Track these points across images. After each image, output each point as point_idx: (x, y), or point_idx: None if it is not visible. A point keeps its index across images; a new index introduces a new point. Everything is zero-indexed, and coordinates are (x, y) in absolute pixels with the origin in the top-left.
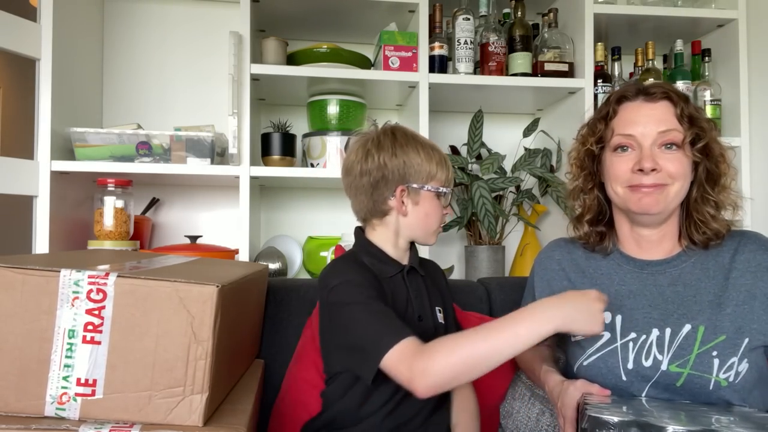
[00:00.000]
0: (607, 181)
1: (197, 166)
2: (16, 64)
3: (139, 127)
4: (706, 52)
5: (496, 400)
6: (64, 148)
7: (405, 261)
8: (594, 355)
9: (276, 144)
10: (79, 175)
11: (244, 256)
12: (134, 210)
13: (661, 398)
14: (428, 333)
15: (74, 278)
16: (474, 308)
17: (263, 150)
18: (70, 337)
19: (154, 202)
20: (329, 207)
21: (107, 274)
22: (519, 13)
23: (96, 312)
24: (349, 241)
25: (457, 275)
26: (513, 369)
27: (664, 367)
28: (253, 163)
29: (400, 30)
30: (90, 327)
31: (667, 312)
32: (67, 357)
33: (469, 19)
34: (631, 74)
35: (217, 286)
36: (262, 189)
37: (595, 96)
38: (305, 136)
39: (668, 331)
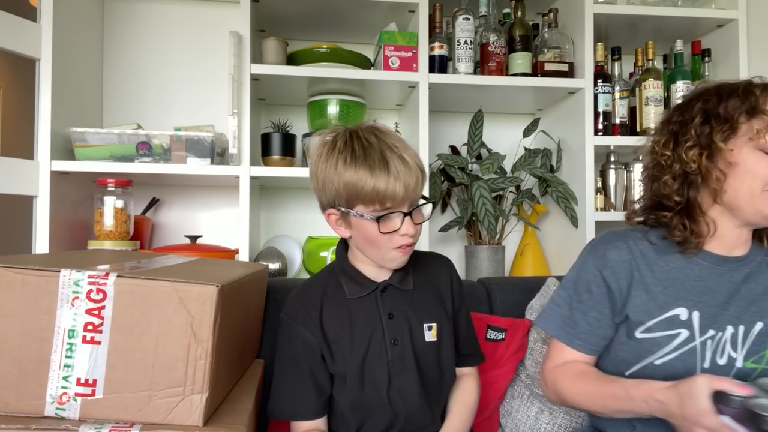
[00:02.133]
0: (737, 175)
1: (197, 166)
2: (16, 64)
3: (139, 127)
4: (706, 52)
5: (496, 400)
6: (64, 148)
7: (382, 278)
8: (670, 354)
9: (276, 144)
10: (79, 175)
11: (244, 256)
12: (134, 210)
13: None
14: (406, 357)
15: (74, 278)
16: (474, 308)
17: (263, 150)
18: (70, 337)
19: (154, 202)
20: None
21: (107, 274)
22: (519, 13)
23: (96, 312)
24: None
25: None
26: (513, 369)
27: (739, 363)
28: (253, 163)
29: (400, 30)
30: (90, 327)
31: (740, 309)
32: (67, 357)
33: (469, 19)
34: (631, 74)
35: (217, 286)
36: (262, 189)
37: (595, 96)
38: (305, 136)
39: (741, 328)
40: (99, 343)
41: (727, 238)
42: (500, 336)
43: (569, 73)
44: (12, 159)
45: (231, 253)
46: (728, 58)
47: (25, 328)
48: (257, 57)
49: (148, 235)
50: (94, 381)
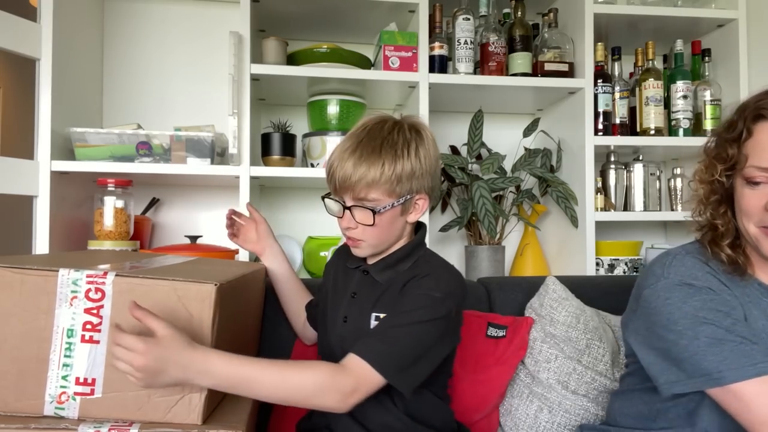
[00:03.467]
0: (737, 212)
1: (197, 166)
2: (16, 64)
3: (139, 127)
4: (706, 52)
5: (496, 398)
6: (64, 148)
7: (372, 261)
8: None
9: (276, 144)
10: (79, 175)
11: (244, 256)
12: (134, 210)
13: None
14: (347, 338)
15: (72, 277)
16: (474, 308)
17: (263, 150)
18: (68, 337)
19: (154, 202)
20: None
21: (105, 274)
22: (519, 13)
23: (95, 311)
24: None
25: None
26: (513, 367)
27: None
28: (253, 163)
29: (400, 30)
30: (89, 326)
31: None
32: (66, 356)
33: (469, 19)
34: (631, 74)
35: (216, 285)
36: (262, 189)
37: (595, 96)
38: (305, 136)
39: None
40: (98, 342)
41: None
42: (501, 333)
43: (569, 73)
44: (12, 159)
45: (231, 253)
46: (728, 58)
47: (24, 328)
48: (257, 57)
49: (148, 235)
50: (93, 380)
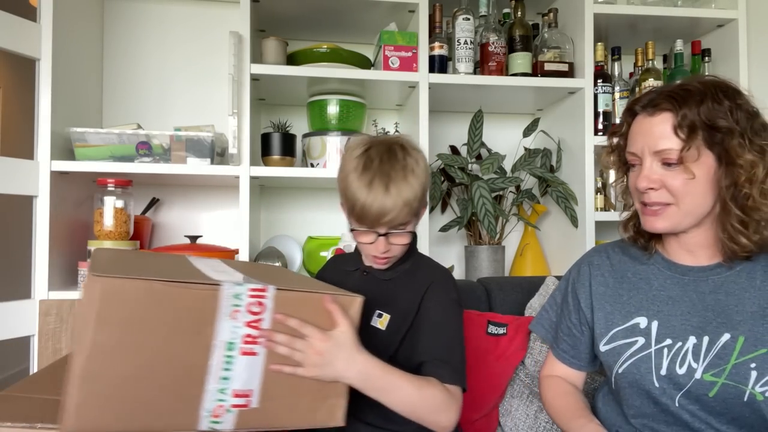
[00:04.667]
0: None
1: (197, 166)
2: (16, 64)
3: (139, 127)
4: (706, 52)
5: (495, 397)
6: (64, 148)
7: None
8: (628, 360)
9: (276, 144)
10: (79, 175)
11: (244, 256)
12: (134, 210)
13: (692, 408)
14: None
15: (235, 291)
16: (473, 308)
17: (263, 150)
18: (228, 350)
19: (154, 202)
20: (329, 207)
21: (265, 288)
22: (519, 13)
23: (254, 324)
24: (349, 241)
25: (457, 275)
26: (513, 367)
27: (698, 375)
28: (253, 163)
29: (400, 30)
30: (248, 339)
31: (706, 320)
32: (225, 369)
33: (469, 19)
34: (631, 74)
35: (362, 298)
36: (262, 189)
37: (595, 96)
38: (305, 136)
39: (706, 339)
40: (256, 354)
41: (671, 244)
42: (501, 330)
43: (569, 73)
44: (12, 159)
45: (231, 253)
46: (728, 58)
47: (184, 342)
48: (257, 57)
49: (148, 235)
50: (250, 391)
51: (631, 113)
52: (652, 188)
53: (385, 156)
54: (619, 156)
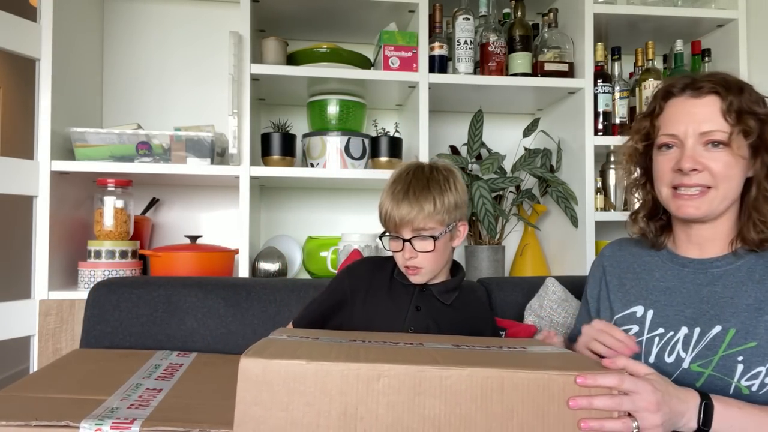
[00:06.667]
0: (655, 181)
1: (197, 166)
2: (16, 64)
3: (139, 127)
4: (706, 52)
5: None
6: (64, 148)
7: (431, 282)
8: None
9: (276, 144)
10: (79, 175)
11: (244, 256)
12: (134, 210)
13: None
14: None
15: None
16: None
17: (263, 150)
18: None
19: (154, 202)
20: (329, 207)
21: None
22: (519, 13)
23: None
24: (349, 241)
25: None
26: None
27: (685, 365)
28: (253, 163)
29: (400, 30)
30: None
31: (700, 311)
32: None
33: (469, 19)
34: (631, 74)
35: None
36: (262, 189)
37: (595, 96)
38: (305, 136)
39: (697, 330)
40: None
41: (680, 238)
42: (501, 334)
43: (569, 73)
44: (12, 159)
45: (230, 253)
46: (728, 58)
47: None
48: (257, 57)
49: (148, 235)
50: None
51: (666, 95)
52: (695, 169)
53: (414, 172)
54: (633, 148)
